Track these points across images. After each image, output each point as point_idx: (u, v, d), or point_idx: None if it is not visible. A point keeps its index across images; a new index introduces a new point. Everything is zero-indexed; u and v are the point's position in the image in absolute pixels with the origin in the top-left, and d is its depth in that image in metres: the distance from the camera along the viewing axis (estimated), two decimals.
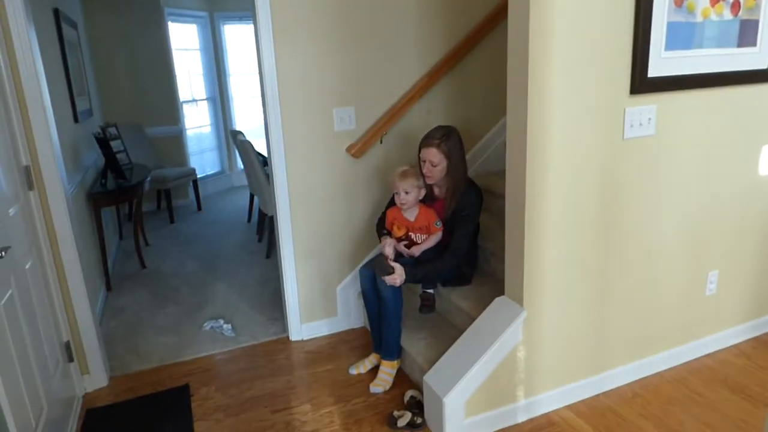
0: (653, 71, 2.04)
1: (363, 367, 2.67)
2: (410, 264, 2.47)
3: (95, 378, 2.63)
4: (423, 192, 2.53)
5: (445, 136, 2.43)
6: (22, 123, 2.25)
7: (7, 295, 1.79)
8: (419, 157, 2.51)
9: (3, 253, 1.62)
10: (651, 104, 2.13)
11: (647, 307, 2.44)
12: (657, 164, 2.24)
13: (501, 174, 2.35)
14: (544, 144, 1.98)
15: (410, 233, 2.60)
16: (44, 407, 1.99)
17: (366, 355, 2.75)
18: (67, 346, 2.47)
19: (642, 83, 2.05)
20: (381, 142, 2.92)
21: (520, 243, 2.10)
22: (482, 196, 2.53)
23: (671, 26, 2.04)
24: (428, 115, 3.03)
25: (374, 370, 2.61)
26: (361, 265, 2.67)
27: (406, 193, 2.49)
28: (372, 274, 2.50)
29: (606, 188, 2.15)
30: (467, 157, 3.20)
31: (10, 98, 2.17)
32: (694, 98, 2.22)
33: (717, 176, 2.41)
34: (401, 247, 2.58)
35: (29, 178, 2.29)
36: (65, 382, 2.38)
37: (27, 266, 2.09)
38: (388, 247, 2.54)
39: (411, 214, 2.57)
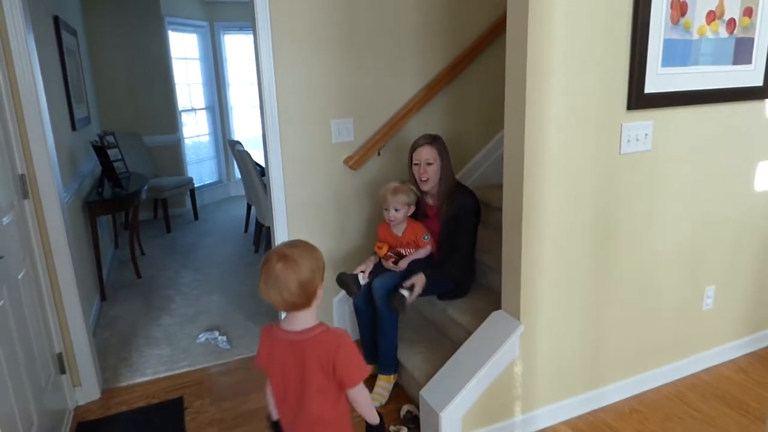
0: (650, 87, 2.05)
1: (381, 396, 2.51)
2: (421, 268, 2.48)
3: (87, 390, 2.60)
4: (412, 209, 2.54)
5: (434, 138, 2.53)
6: (19, 131, 2.24)
7: None
8: (411, 163, 2.54)
9: None
10: (647, 120, 2.14)
11: (644, 322, 2.43)
12: (653, 179, 2.24)
13: (498, 187, 2.35)
14: (542, 158, 1.98)
15: (399, 248, 2.60)
16: (34, 421, 1.96)
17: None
18: (60, 357, 2.45)
19: (639, 99, 2.06)
20: (379, 154, 2.92)
21: (516, 257, 2.09)
22: (478, 201, 2.54)
23: (667, 43, 2.05)
24: (426, 127, 3.03)
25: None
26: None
27: (396, 210, 2.50)
28: (366, 286, 2.49)
29: (603, 203, 2.15)
30: (464, 169, 3.23)
31: (6, 106, 2.16)
32: (689, 114, 2.23)
33: (713, 192, 2.41)
34: (389, 264, 2.56)
35: (24, 186, 2.27)
36: (57, 395, 2.35)
37: (20, 276, 2.07)
38: (364, 265, 2.57)
39: (399, 230, 2.59)
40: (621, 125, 2.10)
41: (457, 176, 3.18)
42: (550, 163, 2.00)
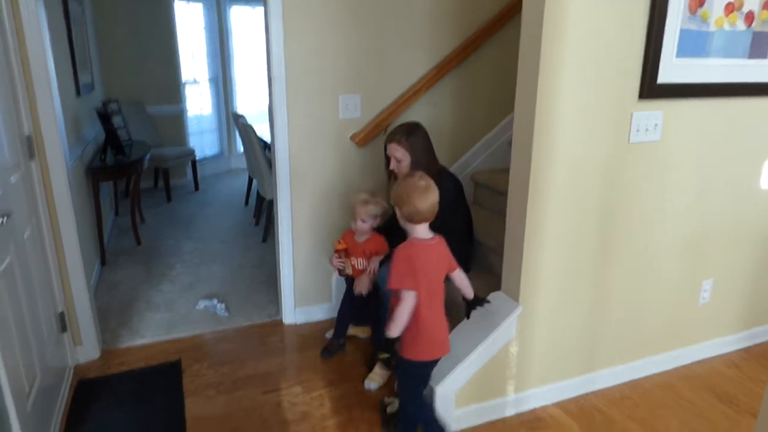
0: (663, 77, 2.05)
1: (381, 377, 2.52)
2: None
3: (88, 350, 2.63)
4: (378, 221, 2.55)
5: (408, 132, 2.46)
6: (26, 92, 2.24)
7: (6, 261, 1.79)
8: (385, 155, 2.53)
9: (4, 219, 1.62)
10: (658, 110, 2.15)
11: (641, 311, 2.47)
12: (659, 170, 2.25)
13: (504, 171, 2.36)
14: (550, 143, 1.99)
15: (353, 256, 2.60)
16: (38, 374, 1.99)
17: (358, 345, 2.77)
18: (62, 316, 2.47)
19: (651, 89, 2.06)
20: (385, 132, 2.92)
21: (519, 240, 2.11)
22: (459, 184, 2.53)
23: (684, 33, 2.05)
24: (434, 107, 3.03)
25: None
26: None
27: (362, 221, 2.52)
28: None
29: (608, 191, 2.17)
30: (469, 152, 3.24)
31: (15, 67, 2.15)
32: (701, 107, 2.24)
33: (718, 186, 2.43)
34: (335, 262, 2.62)
35: (31, 147, 2.27)
36: (58, 352, 2.38)
37: (26, 235, 2.08)
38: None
39: (361, 238, 2.59)
40: (632, 114, 2.10)
41: (461, 160, 3.21)
42: (558, 149, 2.01)
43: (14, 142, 2.08)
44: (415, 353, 1.87)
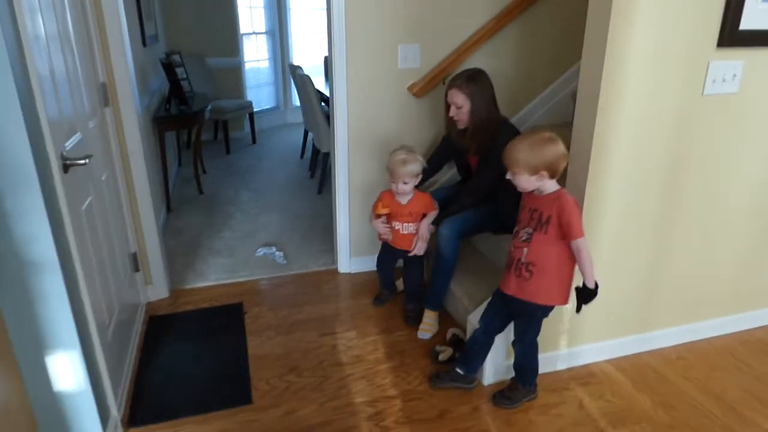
0: (746, 23, 1.91)
1: (432, 327, 2.56)
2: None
3: (158, 289, 2.81)
4: (419, 178, 2.46)
5: (469, 78, 2.38)
6: (101, 41, 2.33)
7: (88, 201, 1.91)
8: (446, 102, 2.46)
9: (87, 160, 1.72)
10: (738, 59, 2.02)
11: (703, 272, 2.40)
12: (735, 125, 2.14)
13: (565, 126, 2.30)
14: (618, 94, 1.92)
15: (394, 221, 2.52)
16: (116, 308, 2.15)
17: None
18: (134, 256, 2.63)
19: (731, 36, 1.93)
20: (444, 83, 2.88)
21: (579, 194, 2.07)
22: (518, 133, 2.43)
23: None
24: (494, 58, 2.96)
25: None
26: None
27: (405, 183, 2.40)
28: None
29: (678, 144, 2.08)
30: (529, 106, 3.16)
31: (90, 17, 2.24)
32: None
33: None
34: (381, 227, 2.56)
35: (105, 94, 2.38)
36: (132, 290, 2.55)
37: (103, 178, 2.21)
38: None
39: (404, 199, 2.48)
40: (708, 64, 1.99)
41: (521, 113, 3.15)
42: (627, 99, 1.93)
43: (91, 90, 2.19)
44: (562, 298, 1.94)
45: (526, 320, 2.01)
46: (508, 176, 1.88)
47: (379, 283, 2.87)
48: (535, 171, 1.81)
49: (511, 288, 1.95)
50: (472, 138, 2.45)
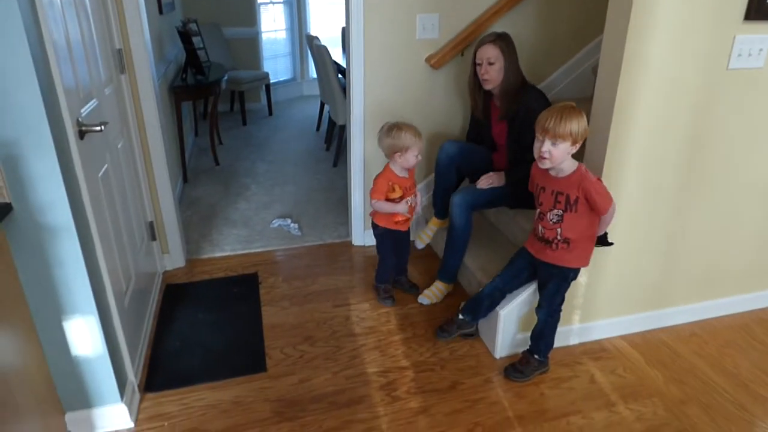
0: None
1: (435, 296, 2.61)
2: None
3: (174, 258, 2.85)
4: None
5: (500, 36, 2.37)
6: (116, 7, 2.32)
7: (104, 168, 1.93)
8: (474, 63, 2.41)
9: (102, 126, 1.73)
10: (765, 33, 1.95)
11: (720, 250, 2.36)
12: (759, 101, 2.08)
13: (585, 100, 2.24)
14: (640, 66, 1.86)
15: (405, 197, 2.41)
16: (132, 276, 2.18)
17: (424, 266, 2.83)
18: (151, 225, 2.66)
19: (760, 8, 1.86)
20: (462, 55, 2.83)
21: (598, 168, 2.04)
22: (548, 102, 2.38)
23: None
24: (514, 30, 2.88)
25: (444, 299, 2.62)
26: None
27: (417, 156, 2.35)
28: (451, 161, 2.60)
29: (700, 118, 2.03)
30: (549, 79, 3.10)
31: None
32: None
33: None
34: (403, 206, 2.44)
35: (121, 61, 2.38)
36: (148, 259, 2.58)
37: (119, 145, 2.22)
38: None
39: (404, 172, 2.41)
40: (734, 37, 1.93)
41: (541, 85, 3.07)
42: (649, 72, 1.88)
43: (107, 56, 2.18)
44: (587, 260, 2.01)
45: (558, 283, 2.03)
46: (545, 147, 1.83)
47: (386, 282, 2.64)
48: (574, 141, 1.82)
49: (548, 256, 2.00)
50: (501, 99, 2.43)
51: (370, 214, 2.53)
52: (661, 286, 2.36)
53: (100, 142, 1.90)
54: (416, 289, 2.67)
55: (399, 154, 2.33)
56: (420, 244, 2.83)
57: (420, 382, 2.11)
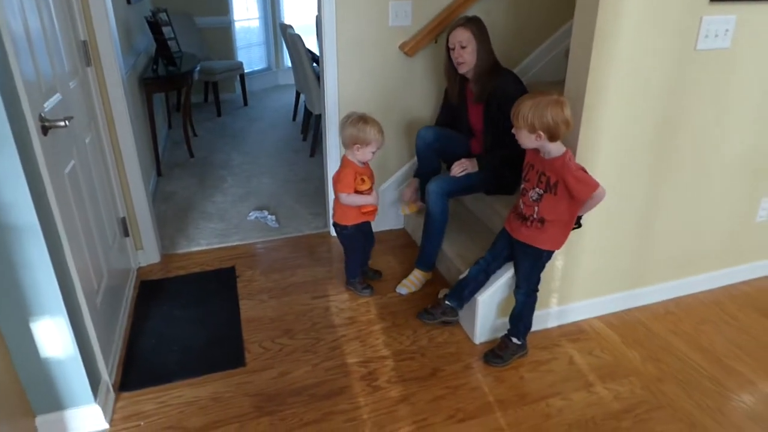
0: None
1: (413, 285, 2.61)
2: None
3: (148, 254, 2.80)
4: None
5: (471, 19, 2.37)
6: None
7: (71, 165, 1.88)
8: (447, 48, 2.42)
9: (67, 121, 1.68)
10: (730, 14, 1.97)
11: (692, 228, 2.40)
12: (725, 81, 2.10)
13: (556, 84, 2.25)
14: (610, 48, 1.87)
15: (372, 187, 2.42)
16: (104, 274, 2.14)
17: (404, 255, 2.82)
18: (123, 221, 2.61)
19: None
20: (436, 42, 2.81)
21: (572, 148, 2.04)
22: (522, 86, 2.40)
23: None
24: (488, 16, 2.87)
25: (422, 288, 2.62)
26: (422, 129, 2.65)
27: (373, 153, 2.32)
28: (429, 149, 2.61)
29: (669, 98, 2.05)
30: (523, 63, 3.10)
31: None
32: None
33: None
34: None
35: (87, 52, 2.31)
36: (121, 255, 2.53)
37: (87, 140, 2.17)
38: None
39: (361, 163, 2.39)
40: (701, 18, 1.94)
41: (515, 70, 3.07)
42: (620, 53, 1.89)
43: (71, 47, 2.12)
44: (559, 244, 2.02)
45: (531, 262, 2.05)
46: (513, 130, 1.89)
47: (357, 276, 2.61)
48: (532, 130, 1.81)
49: (522, 234, 2.01)
50: (475, 82, 2.42)
51: (334, 218, 2.48)
52: (637, 266, 2.40)
53: (65, 138, 1.85)
54: (379, 276, 2.70)
55: (359, 146, 2.30)
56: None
57: (400, 371, 2.11)
